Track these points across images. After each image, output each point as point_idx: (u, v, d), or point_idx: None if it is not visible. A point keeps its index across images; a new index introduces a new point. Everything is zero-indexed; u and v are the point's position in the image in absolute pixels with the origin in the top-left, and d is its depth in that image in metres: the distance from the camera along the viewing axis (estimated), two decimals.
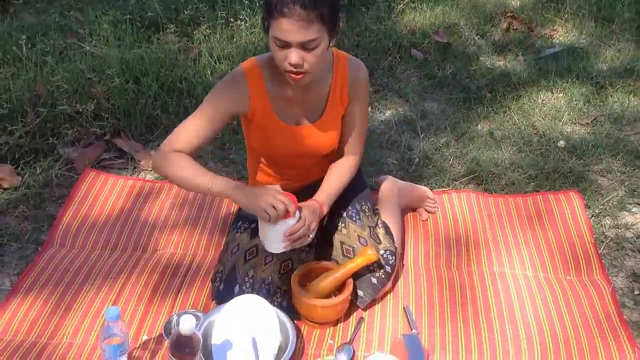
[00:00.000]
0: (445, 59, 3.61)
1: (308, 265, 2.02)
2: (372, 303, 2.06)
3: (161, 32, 3.49)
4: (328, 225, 2.14)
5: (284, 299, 1.97)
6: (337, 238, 2.09)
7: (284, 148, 1.99)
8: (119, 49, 3.23)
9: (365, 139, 2.14)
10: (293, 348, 1.80)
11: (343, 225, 2.10)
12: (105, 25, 3.42)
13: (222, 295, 1.96)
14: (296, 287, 1.93)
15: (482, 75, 3.48)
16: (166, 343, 1.89)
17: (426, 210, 2.49)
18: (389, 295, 2.11)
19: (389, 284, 2.08)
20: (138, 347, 1.90)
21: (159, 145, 2.24)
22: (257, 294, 1.90)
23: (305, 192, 2.05)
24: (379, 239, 2.10)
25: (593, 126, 3.10)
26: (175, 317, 1.96)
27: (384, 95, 3.31)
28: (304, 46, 1.71)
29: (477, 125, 3.09)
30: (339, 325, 2.01)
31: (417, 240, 2.38)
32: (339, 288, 1.97)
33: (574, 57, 3.65)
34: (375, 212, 2.20)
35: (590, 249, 2.34)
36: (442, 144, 2.93)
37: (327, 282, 1.96)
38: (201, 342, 1.67)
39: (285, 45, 1.71)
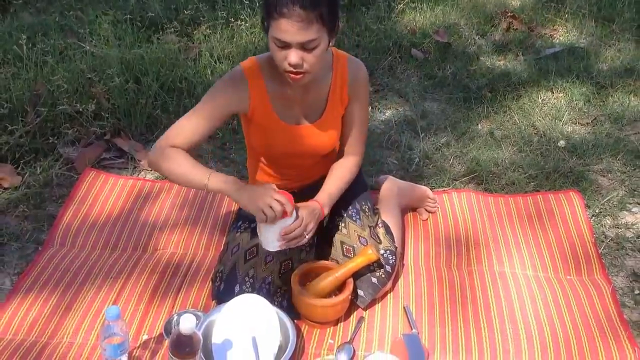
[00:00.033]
0: (445, 59, 3.60)
1: (308, 264, 2.02)
2: (373, 303, 2.06)
3: (161, 32, 3.49)
4: (328, 225, 2.14)
5: (284, 298, 1.97)
6: (337, 238, 2.09)
7: (284, 147, 1.99)
8: (119, 48, 3.23)
9: (366, 138, 2.14)
10: (293, 347, 1.80)
11: (343, 225, 2.10)
12: (106, 25, 3.42)
13: (222, 294, 1.95)
14: (296, 287, 1.93)
15: (482, 75, 3.48)
16: (166, 342, 1.89)
17: (426, 210, 2.49)
18: (389, 294, 2.11)
19: (389, 284, 2.08)
20: (138, 347, 1.90)
21: None
22: (258, 293, 1.90)
23: (305, 192, 2.05)
24: (379, 238, 2.10)
25: (593, 126, 3.10)
26: (175, 317, 1.96)
27: (384, 95, 3.31)
28: (304, 46, 1.71)
29: (477, 125, 3.09)
30: (339, 324, 2.01)
31: (417, 240, 2.37)
32: (339, 288, 1.97)
33: (574, 57, 3.65)
34: (375, 211, 2.20)
35: (591, 248, 2.34)
36: (442, 144, 2.93)
37: (327, 281, 1.96)
38: (201, 341, 1.67)
39: (285, 45, 1.71)
